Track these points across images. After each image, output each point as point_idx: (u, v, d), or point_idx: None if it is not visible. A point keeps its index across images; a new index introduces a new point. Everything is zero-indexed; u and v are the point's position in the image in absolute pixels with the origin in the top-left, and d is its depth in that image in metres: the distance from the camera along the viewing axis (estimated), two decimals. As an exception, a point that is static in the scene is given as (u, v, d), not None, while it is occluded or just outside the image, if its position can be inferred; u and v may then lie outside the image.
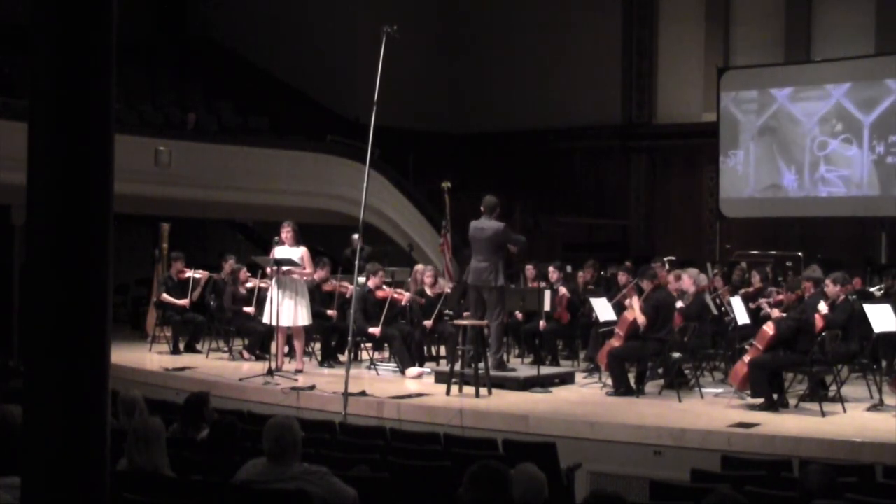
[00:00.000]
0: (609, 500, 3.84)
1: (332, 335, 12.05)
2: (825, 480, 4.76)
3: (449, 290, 12.14)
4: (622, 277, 11.79)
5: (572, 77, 21.05)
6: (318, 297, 11.82)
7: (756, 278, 12.84)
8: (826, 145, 18.20)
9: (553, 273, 12.67)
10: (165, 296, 13.03)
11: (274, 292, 10.70)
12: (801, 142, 18.45)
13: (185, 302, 12.91)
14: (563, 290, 12.26)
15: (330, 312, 11.90)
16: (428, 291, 12.06)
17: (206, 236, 18.66)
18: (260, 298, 12.11)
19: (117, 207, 3.47)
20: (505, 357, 10.84)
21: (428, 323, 11.66)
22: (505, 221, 10.43)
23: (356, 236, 13.50)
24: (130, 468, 4.91)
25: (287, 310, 10.74)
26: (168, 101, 17.64)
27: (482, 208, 10.28)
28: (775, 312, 9.60)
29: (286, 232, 10.90)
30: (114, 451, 3.71)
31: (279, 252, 10.78)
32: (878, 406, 9.01)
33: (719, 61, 19.84)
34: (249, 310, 12.33)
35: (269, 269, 10.87)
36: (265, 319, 11.04)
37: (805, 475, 4.86)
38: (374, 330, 11.29)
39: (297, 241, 10.92)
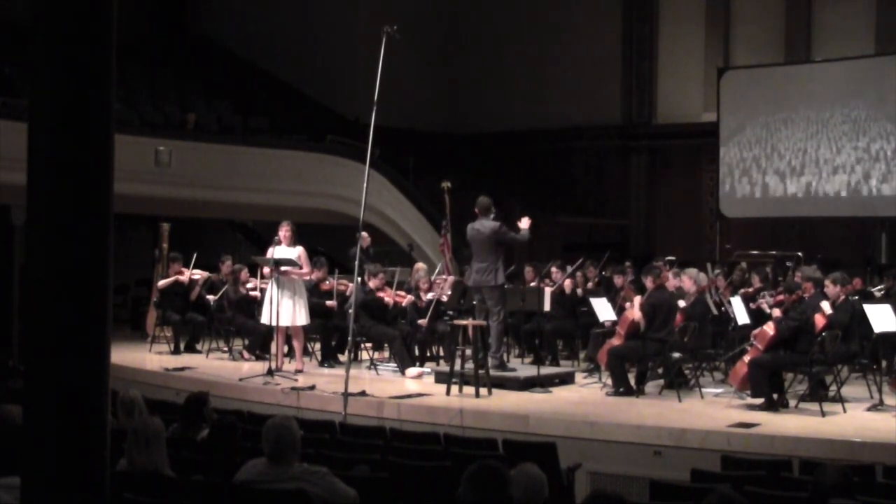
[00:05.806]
0: (609, 500, 3.83)
1: (332, 335, 12.05)
2: (841, 480, 4.76)
3: (447, 297, 12.13)
4: (618, 280, 11.80)
5: (572, 77, 21.03)
6: (316, 297, 11.81)
7: (756, 278, 12.85)
8: (826, 145, 18.19)
9: (556, 273, 12.73)
10: (162, 281, 13.09)
11: (273, 292, 10.70)
12: (800, 142, 18.43)
13: (186, 277, 12.97)
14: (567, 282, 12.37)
15: (329, 303, 11.90)
16: (421, 296, 12.04)
17: (206, 236, 18.65)
18: (261, 298, 12.13)
19: (117, 207, 3.47)
20: (505, 357, 10.85)
21: (422, 322, 11.66)
22: (504, 221, 10.44)
23: (364, 234, 13.55)
24: (130, 468, 4.91)
25: (286, 310, 10.75)
26: (168, 101, 17.62)
27: (476, 210, 10.31)
28: (776, 312, 9.59)
29: (284, 231, 10.92)
30: (114, 451, 3.71)
31: (277, 252, 10.79)
32: (878, 406, 9.01)
33: (719, 61, 19.83)
34: (255, 293, 12.29)
35: (268, 270, 10.88)
36: (263, 319, 11.05)
37: (821, 474, 4.85)
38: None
39: (295, 240, 10.94)
